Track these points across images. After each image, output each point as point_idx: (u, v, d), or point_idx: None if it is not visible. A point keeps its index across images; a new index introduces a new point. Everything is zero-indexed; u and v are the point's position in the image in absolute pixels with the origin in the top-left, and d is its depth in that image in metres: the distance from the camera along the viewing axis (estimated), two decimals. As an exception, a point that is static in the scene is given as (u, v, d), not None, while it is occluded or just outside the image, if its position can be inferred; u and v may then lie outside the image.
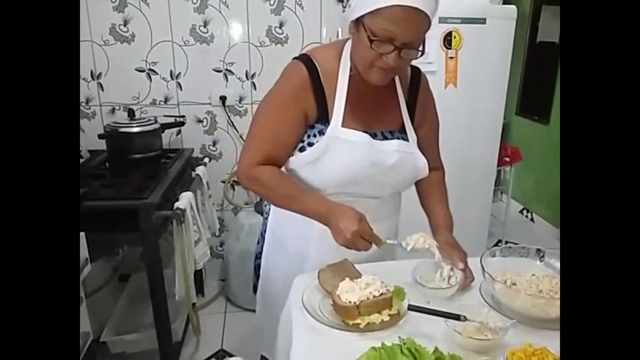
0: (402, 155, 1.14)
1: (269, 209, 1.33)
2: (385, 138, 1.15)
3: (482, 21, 2.23)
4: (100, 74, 2.38)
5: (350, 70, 1.10)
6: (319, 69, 1.10)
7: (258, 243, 1.40)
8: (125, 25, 2.32)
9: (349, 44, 1.11)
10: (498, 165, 2.71)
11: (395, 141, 1.15)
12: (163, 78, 2.43)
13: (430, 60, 2.20)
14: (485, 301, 1.03)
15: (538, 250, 1.14)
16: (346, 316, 0.96)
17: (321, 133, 1.11)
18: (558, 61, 3.32)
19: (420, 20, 0.96)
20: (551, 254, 1.13)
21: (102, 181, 1.87)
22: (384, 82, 1.07)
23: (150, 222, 1.67)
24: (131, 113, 2.16)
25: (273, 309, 1.33)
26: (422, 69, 2.25)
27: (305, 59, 1.11)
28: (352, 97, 1.11)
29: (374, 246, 1.06)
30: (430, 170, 1.23)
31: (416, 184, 1.27)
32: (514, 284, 1.02)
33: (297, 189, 1.12)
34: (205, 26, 2.38)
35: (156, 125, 2.17)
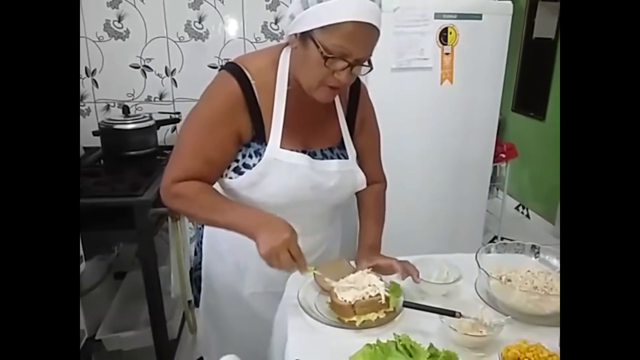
0: (342, 175, 1.10)
1: None
2: (325, 156, 1.10)
3: (478, 17, 2.22)
4: (94, 70, 2.36)
5: (288, 85, 1.03)
6: (252, 82, 1.00)
7: (196, 254, 1.31)
8: (119, 22, 2.31)
9: (285, 53, 1.03)
10: (494, 162, 2.71)
11: (336, 161, 1.10)
12: (158, 74, 2.41)
13: (426, 56, 2.19)
14: (480, 297, 1.03)
15: (533, 246, 1.14)
16: (342, 314, 0.96)
17: (257, 153, 1.03)
18: (554, 57, 3.32)
19: (373, 36, 0.92)
20: (546, 250, 1.13)
21: (97, 178, 1.86)
22: (331, 99, 1.02)
23: (146, 220, 1.67)
24: (126, 110, 2.15)
25: (220, 324, 1.29)
26: (418, 65, 2.26)
27: (236, 71, 1.00)
28: (289, 113, 1.03)
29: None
30: (370, 182, 1.19)
31: (356, 194, 1.23)
32: (509, 281, 1.02)
33: (221, 200, 1.03)
34: (200, 22, 2.36)
35: (151, 122, 2.16)
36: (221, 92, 1.02)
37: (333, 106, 1.13)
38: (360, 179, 1.15)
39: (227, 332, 1.29)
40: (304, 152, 1.07)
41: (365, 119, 1.19)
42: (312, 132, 1.10)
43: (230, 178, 1.06)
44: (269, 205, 1.05)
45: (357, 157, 1.17)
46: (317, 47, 0.91)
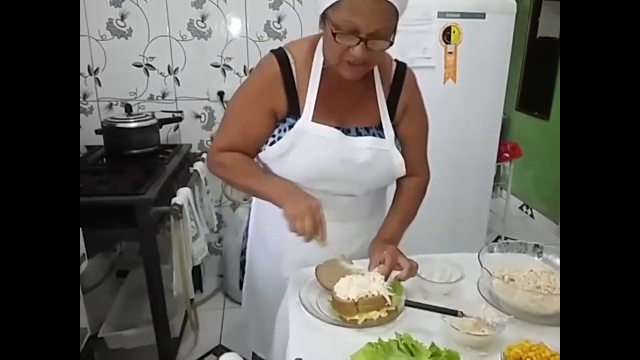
0: (375, 152, 1.10)
1: (252, 204, 1.34)
2: (360, 134, 1.11)
3: (482, 16, 2.21)
4: (97, 69, 2.36)
5: (324, 63, 1.08)
6: (292, 62, 1.08)
7: (244, 239, 1.40)
8: (122, 20, 2.31)
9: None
10: (497, 161, 2.70)
11: (369, 138, 1.11)
12: (160, 73, 2.41)
13: (429, 55, 2.18)
14: (483, 297, 1.02)
15: (536, 246, 1.13)
16: (344, 312, 0.95)
17: (291, 127, 1.08)
18: (558, 56, 3.31)
19: (383, 9, 0.92)
20: (549, 249, 1.12)
21: (99, 177, 1.86)
22: (356, 76, 1.03)
23: (147, 218, 1.67)
24: (128, 108, 2.15)
25: (259, 305, 1.36)
26: (421, 64, 2.25)
27: (279, 52, 1.10)
28: (325, 90, 1.08)
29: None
30: (410, 174, 1.19)
31: (396, 182, 1.23)
32: (512, 280, 1.01)
33: (257, 170, 1.14)
34: (202, 21, 2.36)
35: (154, 121, 2.16)
36: (259, 71, 1.14)
37: (373, 86, 1.14)
38: (397, 162, 1.15)
39: (265, 312, 1.31)
40: (337, 127, 1.09)
41: (409, 106, 1.18)
42: (349, 109, 1.12)
43: (264, 150, 1.13)
44: (299, 177, 1.10)
45: (400, 146, 1.17)
46: (330, 24, 0.95)
